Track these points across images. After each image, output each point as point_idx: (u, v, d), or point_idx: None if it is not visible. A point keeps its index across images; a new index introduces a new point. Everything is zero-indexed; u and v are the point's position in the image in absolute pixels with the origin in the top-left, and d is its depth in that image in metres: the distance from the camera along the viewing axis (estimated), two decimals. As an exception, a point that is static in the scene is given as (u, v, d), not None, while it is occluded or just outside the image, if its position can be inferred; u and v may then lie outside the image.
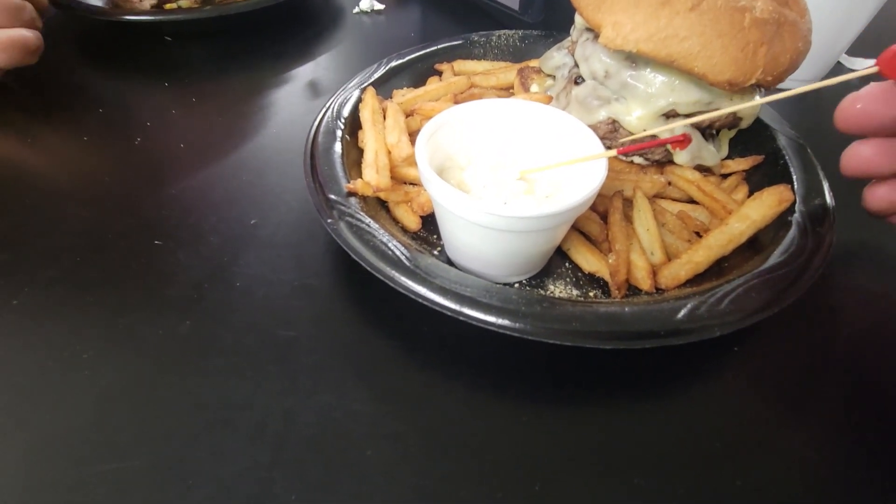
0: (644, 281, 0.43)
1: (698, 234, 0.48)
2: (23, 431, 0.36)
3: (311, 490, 0.34)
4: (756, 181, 0.53)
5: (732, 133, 0.55)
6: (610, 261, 0.44)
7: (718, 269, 0.45)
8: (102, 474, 0.34)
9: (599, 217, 0.48)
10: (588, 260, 0.45)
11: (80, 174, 0.56)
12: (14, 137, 0.60)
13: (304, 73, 0.75)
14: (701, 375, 0.42)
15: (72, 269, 0.46)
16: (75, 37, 0.77)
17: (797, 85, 0.38)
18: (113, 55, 0.74)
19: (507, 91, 0.63)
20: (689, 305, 0.38)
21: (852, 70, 0.50)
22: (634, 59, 0.48)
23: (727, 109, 0.40)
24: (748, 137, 0.56)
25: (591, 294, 0.45)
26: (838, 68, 0.83)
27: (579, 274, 0.46)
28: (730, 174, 0.54)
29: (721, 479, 0.36)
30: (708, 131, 0.52)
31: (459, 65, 0.66)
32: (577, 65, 0.54)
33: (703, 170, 0.52)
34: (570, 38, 0.57)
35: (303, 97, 0.70)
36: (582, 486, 0.35)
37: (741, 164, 0.54)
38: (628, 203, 0.49)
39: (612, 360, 0.41)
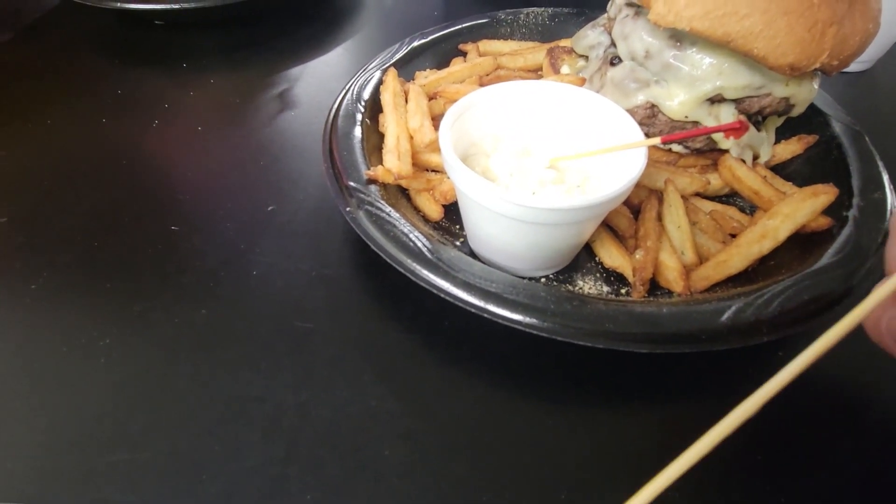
0: (676, 283, 0.40)
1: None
2: (39, 418, 0.35)
3: (327, 490, 0.33)
4: (807, 174, 0.49)
5: (780, 121, 0.51)
6: (637, 256, 0.41)
7: (765, 270, 0.41)
8: (114, 464, 0.33)
9: (630, 211, 0.45)
10: (611, 254, 0.42)
11: (97, 156, 0.55)
12: (32, 119, 0.60)
13: (325, 54, 0.72)
14: (742, 382, 0.39)
15: (88, 253, 0.46)
16: (92, 20, 0.76)
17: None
18: (130, 37, 0.73)
19: (535, 73, 0.59)
20: (734, 307, 0.35)
21: None
22: (680, 39, 0.44)
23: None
24: (798, 125, 0.52)
25: (623, 291, 0.42)
26: (896, 50, 0.76)
27: (610, 269, 0.44)
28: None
29: (763, 495, 0.33)
30: (754, 119, 0.48)
31: (485, 45, 0.63)
32: (613, 44, 0.50)
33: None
34: (606, 15, 0.53)
35: (322, 79, 0.68)
36: (612, 498, 0.33)
37: (791, 147, 0.50)
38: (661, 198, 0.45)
39: (646, 362, 0.39)
